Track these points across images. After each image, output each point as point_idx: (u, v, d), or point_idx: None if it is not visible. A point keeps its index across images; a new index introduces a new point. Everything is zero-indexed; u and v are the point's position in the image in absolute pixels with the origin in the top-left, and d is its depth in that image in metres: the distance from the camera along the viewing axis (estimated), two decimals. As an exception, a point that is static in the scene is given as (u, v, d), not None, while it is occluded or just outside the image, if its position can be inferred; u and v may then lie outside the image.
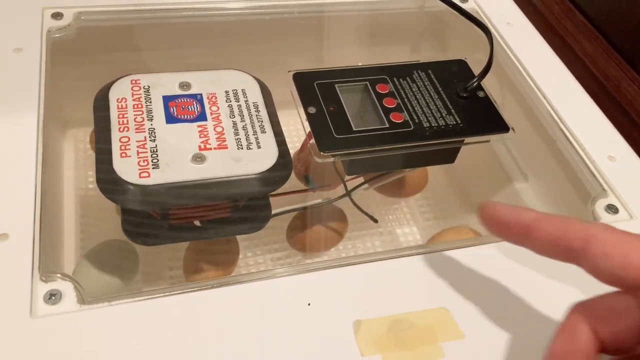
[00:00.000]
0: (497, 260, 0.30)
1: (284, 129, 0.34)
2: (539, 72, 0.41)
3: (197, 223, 0.34)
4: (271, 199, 0.36)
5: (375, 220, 0.43)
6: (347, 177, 0.40)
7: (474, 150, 0.38)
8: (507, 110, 0.42)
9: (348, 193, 0.40)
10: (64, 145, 0.49)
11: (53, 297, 0.25)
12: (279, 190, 0.34)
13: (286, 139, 0.34)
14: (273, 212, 0.36)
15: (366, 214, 0.42)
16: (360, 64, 0.38)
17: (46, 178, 0.32)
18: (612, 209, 0.33)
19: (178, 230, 0.34)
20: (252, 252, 0.46)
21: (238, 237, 0.41)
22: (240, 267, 0.44)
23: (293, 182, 0.42)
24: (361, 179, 0.41)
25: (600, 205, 0.33)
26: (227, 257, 0.39)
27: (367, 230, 0.48)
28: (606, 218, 0.33)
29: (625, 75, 0.54)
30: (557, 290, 0.29)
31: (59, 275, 0.26)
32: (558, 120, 0.38)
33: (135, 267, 0.39)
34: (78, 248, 0.42)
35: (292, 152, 0.35)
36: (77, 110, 0.45)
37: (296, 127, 0.50)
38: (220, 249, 0.39)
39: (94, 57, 0.43)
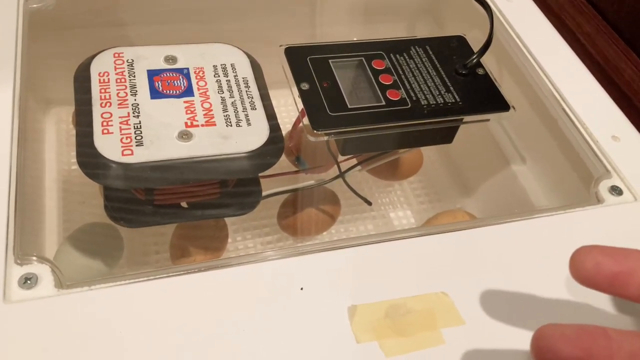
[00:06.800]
0: (497, 243, 0.29)
1: (275, 109, 0.33)
2: (540, 49, 0.39)
3: (183, 204, 0.33)
4: (261, 181, 0.35)
5: (370, 203, 0.42)
6: (340, 158, 0.38)
7: (470, 131, 0.37)
8: (506, 88, 0.41)
9: (342, 174, 0.38)
10: (46, 125, 0.47)
11: (29, 281, 0.24)
12: (270, 171, 0.33)
13: (278, 118, 0.32)
14: (263, 193, 0.35)
15: (360, 196, 0.40)
16: (355, 39, 0.37)
17: (24, 157, 0.30)
18: (616, 190, 0.32)
19: (163, 212, 0.32)
20: (241, 236, 0.45)
21: (227, 220, 0.39)
22: (230, 251, 0.43)
23: (285, 163, 0.41)
24: (355, 161, 0.39)
25: (604, 187, 0.32)
26: (215, 240, 0.38)
27: (360, 213, 0.47)
28: (610, 200, 0.32)
29: (624, 56, 0.53)
30: (558, 272, 0.28)
31: (35, 257, 0.25)
32: (560, 99, 0.37)
33: (120, 251, 0.38)
34: (61, 231, 0.41)
35: (284, 131, 0.33)
36: (59, 88, 0.43)
37: (287, 107, 0.48)
38: (208, 232, 0.38)
39: (75, 31, 0.41)
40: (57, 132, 0.47)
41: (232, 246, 0.44)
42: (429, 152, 0.49)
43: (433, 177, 0.50)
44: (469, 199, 0.48)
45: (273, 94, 0.34)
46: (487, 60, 0.37)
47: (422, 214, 0.48)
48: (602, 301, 0.28)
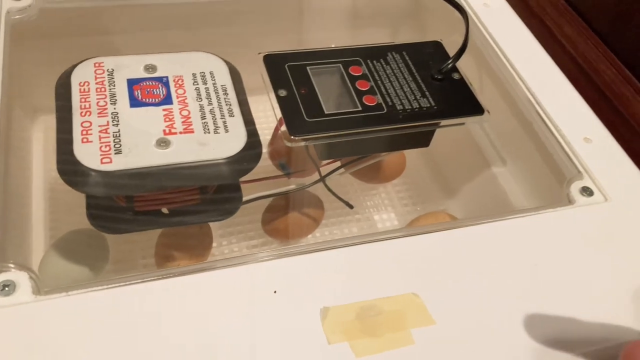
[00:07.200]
0: (471, 244, 0.30)
1: (257, 114, 0.33)
2: (515, 53, 0.40)
3: (164, 210, 0.33)
4: (245, 186, 0.35)
5: (351, 206, 0.42)
6: (322, 162, 0.39)
7: (452, 135, 0.37)
8: (485, 92, 0.42)
9: (322, 178, 0.39)
10: (33, 133, 0.47)
11: (6, 288, 0.24)
12: (253, 176, 0.33)
13: (258, 125, 0.33)
14: (245, 199, 0.35)
15: (341, 199, 0.41)
16: (333, 46, 0.38)
17: (7, 164, 0.31)
18: (587, 191, 0.33)
19: (145, 218, 0.33)
20: (227, 240, 0.45)
21: (212, 224, 0.40)
22: (215, 255, 0.44)
23: (268, 167, 0.41)
24: (337, 164, 0.40)
25: (575, 188, 0.33)
26: (199, 246, 0.38)
27: (345, 216, 0.47)
28: (581, 200, 0.32)
29: (604, 57, 0.54)
30: (529, 273, 0.29)
31: (12, 264, 0.25)
32: (534, 102, 0.37)
33: (106, 257, 0.38)
34: (47, 237, 0.41)
35: (263, 137, 0.34)
36: (47, 96, 0.43)
37: (269, 112, 0.49)
38: (192, 237, 0.38)
39: (59, 41, 0.41)
40: (44, 140, 0.47)
41: (218, 250, 0.44)
42: (412, 155, 0.49)
43: (416, 179, 0.51)
44: (452, 200, 0.49)
45: (255, 100, 0.34)
46: (467, 64, 0.37)
47: (406, 216, 0.48)
48: (580, 303, 0.28)
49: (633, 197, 0.33)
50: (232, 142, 0.31)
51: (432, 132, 0.35)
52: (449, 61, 0.36)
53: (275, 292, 0.26)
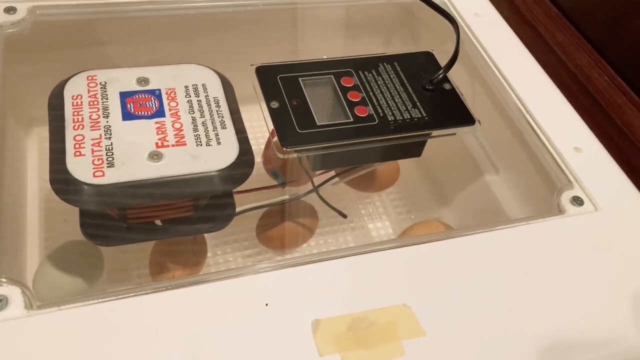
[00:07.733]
0: (462, 255, 0.30)
1: (250, 124, 0.34)
2: (506, 62, 0.40)
3: (157, 222, 0.33)
4: (239, 196, 0.36)
5: (344, 216, 0.42)
6: (316, 172, 0.39)
7: (446, 144, 0.37)
8: (477, 102, 0.42)
9: (315, 189, 0.39)
10: (28, 144, 0.47)
11: (-1, 303, 0.24)
12: (247, 187, 0.34)
13: (252, 135, 0.33)
14: (239, 209, 0.35)
15: (334, 209, 0.41)
16: (325, 57, 0.38)
17: (2, 175, 0.31)
18: (577, 200, 0.33)
19: (138, 230, 0.33)
20: (221, 250, 0.45)
21: (207, 235, 0.40)
22: (210, 265, 0.44)
23: (262, 177, 0.41)
24: (332, 173, 0.40)
25: (565, 197, 0.33)
26: (194, 256, 0.39)
27: (339, 225, 0.48)
28: (571, 210, 0.32)
29: (596, 65, 0.54)
30: (518, 284, 0.29)
31: (4, 279, 0.25)
32: (524, 112, 0.38)
33: (100, 269, 0.38)
34: (42, 248, 0.41)
35: (256, 148, 0.34)
36: (41, 107, 0.44)
37: (261, 122, 0.49)
38: (187, 248, 0.38)
39: (53, 53, 0.42)
40: (39, 150, 0.47)
41: (213, 260, 0.44)
42: (406, 164, 0.50)
43: (411, 188, 0.51)
44: (446, 208, 0.49)
45: (250, 109, 0.35)
46: (459, 74, 0.38)
47: (400, 224, 0.49)
48: (573, 312, 0.28)
49: (623, 207, 0.33)
50: (225, 154, 0.31)
51: (423, 143, 0.36)
52: (440, 72, 0.36)
53: (267, 304, 0.26)
